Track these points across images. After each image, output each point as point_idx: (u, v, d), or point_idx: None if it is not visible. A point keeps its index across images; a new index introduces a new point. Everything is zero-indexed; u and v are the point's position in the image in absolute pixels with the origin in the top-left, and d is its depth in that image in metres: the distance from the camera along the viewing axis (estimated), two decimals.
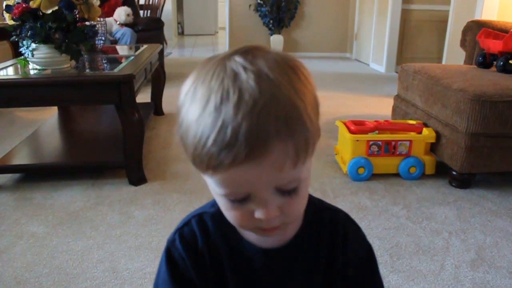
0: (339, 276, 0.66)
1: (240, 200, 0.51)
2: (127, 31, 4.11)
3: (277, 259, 0.63)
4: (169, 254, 0.64)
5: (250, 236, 0.62)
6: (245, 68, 0.47)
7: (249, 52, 0.50)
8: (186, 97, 0.50)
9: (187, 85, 0.51)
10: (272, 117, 0.45)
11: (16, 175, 2.27)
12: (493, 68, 2.56)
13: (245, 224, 0.54)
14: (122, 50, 3.40)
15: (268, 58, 0.49)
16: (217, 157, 0.46)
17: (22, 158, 2.30)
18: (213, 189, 0.54)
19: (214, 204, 0.65)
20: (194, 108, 0.48)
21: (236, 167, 0.46)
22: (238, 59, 0.48)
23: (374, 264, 0.70)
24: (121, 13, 4.22)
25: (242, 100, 0.45)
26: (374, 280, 0.70)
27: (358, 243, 0.68)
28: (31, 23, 1.94)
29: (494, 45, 2.48)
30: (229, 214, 0.55)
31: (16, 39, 2.03)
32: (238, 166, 0.46)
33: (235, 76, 0.47)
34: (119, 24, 4.22)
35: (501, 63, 2.41)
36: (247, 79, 0.46)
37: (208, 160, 0.47)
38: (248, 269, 0.64)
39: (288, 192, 0.51)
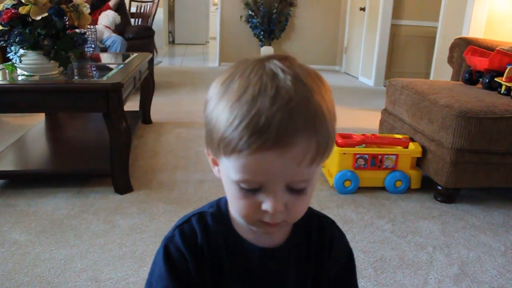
0: (325, 277, 0.70)
1: (251, 190, 0.54)
2: (117, 38, 4.11)
3: (273, 258, 0.66)
4: (167, 250, 0.65)
5: (248, 236, 0.65)
6: (283, 70, 0.52)
7: (286, 59, 0.55)
8: (220, 88, 0.54)
9: (221, 78, 0.56)
10: (302, 114, 0.50)
11: (0, 181, 2.25)
12: (479, 85, 2.60)
13: (250, 215, 0.57)
14: (111, 58, 3.39)
15: (301, 67, 0.55)
16: (247, 140, 0.50)
17: (7, 164, 2.27)
18: (227, 176, 0.56)
19: (212, 205, 0.68)
20: (229, 96, 0.52)
21: (261, 153, 0.50)
22: (277, 62, 0.53)
23: (353, 268, 0.74)
24: (109, 18, 4.22)
25: (279, 95, 0.50)
26: (352, 282, 0.74)
27: (341, 248, 0.72)
28: (20, 29, 1.93)
29: (480, 63, 2.52)
30: (237, 203, 0.57)
31: (4, 45, 2.01)
32: (263, 152, 0.50)
33: (274, 75, 0.52)
34: (112, 30, 4.22)
35: (487, 80, 2.45)
36: (285, 79, 0.51)
37: (237, 142, 0.50)
38: (245, 266, 0.66)
39: (297, 191, 0.55)
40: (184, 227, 0.66)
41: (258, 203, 0.55)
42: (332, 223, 0.73)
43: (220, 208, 0.67)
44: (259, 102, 0.50)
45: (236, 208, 0.58)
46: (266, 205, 0.54)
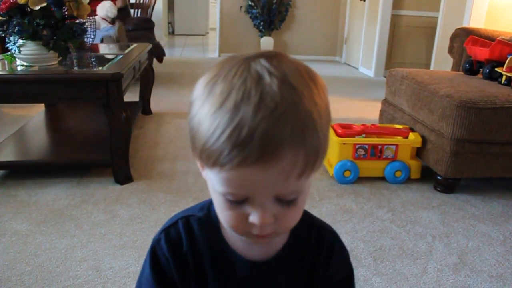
0: None
1: (238, 201, 0.51)
2: (112, 29, 4.09)
3: (261, 271, 0.63)
4: (154, 254, 0.64)
5: (237, 246, 0.62)
6: (269, 72, 0.47)
7: (274, 57, 0.50)
8: (204, 90, 0.50)
9: (206, 78, 0.51)
10: (289, 124, 0.45)
11: (0, 172, 2.25)
12: (480, 75, 2.59)
13: (237, 226, 0.54)
14: (111, 48, 3.38)
15: (291, 66, 0.50)
16: (228, 154, 0.45)
17: (7, 155, 2.27)
18: (212, 186, 0.53)
19: (202, 207, 0.65)
20: (211, 102, 0.48)
21: (244, 168, 0.46)
22: (263, 62, 0.49)
23: (352, 284, 0.70)
24: (107, 8, 4.20)
25: (263, 102, 0.45)
26: None
27: (340, 264, 0.68)
28: (19, 19, 1.93)
29: (481, 53, 2.51)
30: (224, 214, 0.54)
31: (3, 35, 2.01)
32: (247, 167, 0.46)
33: (259, 78, 0.47)
34: (108, 22, 4.20)
35: (487, 70, 2.44)
36: (271, 83, 0.46)
37: (218, 156, 0.46)
38: (230, 277, 0.63)
39: (286, 202, 0.51)
40: (170, 231, 0.64)
41: (246, 214, 0.52)
42: (333, 237, 0.68)
43: (210, 213, 0.63)
44: (241, 111, 0.45)
45: (223, 219, 0.55)
46: (253, 218, 0.51)
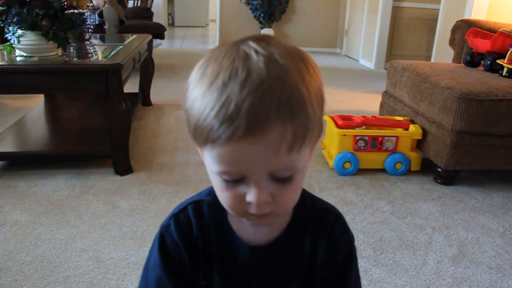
0: (319, 274, 0.67)
1: (234, 180, 0.52)
2: None
3: (262, 256, 0.65)
4: (162, 239, 0.65)
5: (240, 230, 0.64)
6: (256, 52, 0.49)
7: (263, 40, 0.52)
8: (196, 73, 0.52)
9: (199, 63, 0.54)
10: (275, 97, 0.47)
11: (0, 163, 2.25)
12: (481, 67, 2.58)
13: (235, 206, 0.55)
14: (110, 39, 3.37)
15: (280, 46, 0.51)
16: (217, 130, 0.47)
17: (6, 146, 2.27)
18: (209, 166, 0.54)
19: (210, 192, 0.66)
20: (202, 83, 0.50)
21: (233, 142, 0.47)
22: (252, 43, 0.51)
23: (350, 265, 0.68)
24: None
25: (249, 78, 0.47)
26: (350, 279, 0.69)
27: (340, 245, 0.67)
28: (18, 9, 1.91)
29: (482, 45, 2.50)
30: (222, 195, 0.55)
31: (2, 25, 1.99)
32: (236, 142, 0.47)
33: (246, 57, 0.49)
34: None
35: (488, 62, 2.43)
36: (257, 61, 0.48)
37: (208, 132, 0.48)
38: (234, 263, 0.65)
39: (282, 180, 0.52)
40: (180, 217, 0.65)
41: (242, 194, 0.53)
42: (335, 219, 0.68)
43: (217, 197, 0.63)
44: (229, 87, 0.47)
45: (222, 200, 0.56)
46: (250, 196, 0.52)
